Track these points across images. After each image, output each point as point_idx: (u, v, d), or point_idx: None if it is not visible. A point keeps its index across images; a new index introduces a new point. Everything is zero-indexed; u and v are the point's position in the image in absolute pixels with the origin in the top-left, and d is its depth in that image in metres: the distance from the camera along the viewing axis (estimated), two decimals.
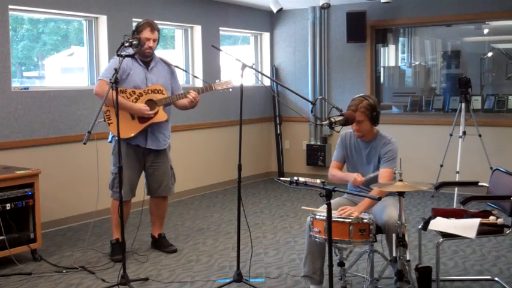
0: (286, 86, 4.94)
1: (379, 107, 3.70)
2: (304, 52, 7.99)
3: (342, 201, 3.78)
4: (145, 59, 4.50)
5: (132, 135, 4.40)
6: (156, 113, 4.42)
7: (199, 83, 6.89)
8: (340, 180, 3.78)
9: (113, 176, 4.54)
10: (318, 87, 7.85)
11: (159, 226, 4.86)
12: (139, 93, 4.41)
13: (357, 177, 3.59)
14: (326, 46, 7.84)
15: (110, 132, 4.49)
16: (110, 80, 3.84)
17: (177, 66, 4.76)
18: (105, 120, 4.33)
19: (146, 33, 4.40)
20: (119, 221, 4.39)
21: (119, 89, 4.29)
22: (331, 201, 2.93)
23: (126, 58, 4.24)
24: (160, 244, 4.80)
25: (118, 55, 4.01)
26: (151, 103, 4.42)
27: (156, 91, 4.45)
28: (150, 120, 4.43)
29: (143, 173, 4.72)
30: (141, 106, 4.37)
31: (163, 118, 4.48)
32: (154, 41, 4.44)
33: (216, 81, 4.63)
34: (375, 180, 3.63)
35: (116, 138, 4.37)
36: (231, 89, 4.62)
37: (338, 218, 3.26)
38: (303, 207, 3.51)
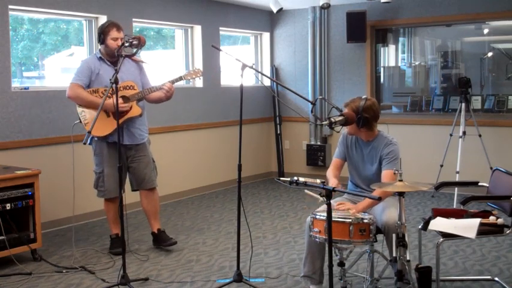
0: (286, 86, 4.94)
1: (369, 113, 3.61)
2: (304, 52, 7.99)
3: (342, 201, 3.77)
4: (113, 58, 4.57)
5: (109, 132, 4.47)
6: (130, 108, 4.50)
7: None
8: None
9: (97, 175, 4.65)
10: (318, 87, 7.85)
11: (154, 221, 4.85)
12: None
13: (350, 209, 3.45)
14: (326, 46, 7.84)
15: (87, 133, 4.50)
16: (110, 80, 3.89)
17: (142, 62, 4.83)
18: (81, 122, 4.44)
19: (113, 34, 4.51)
20: (114, 217, 4.66)
21: (91, 89, 4.48)
22: (331, 201, 2.93)
23: (92, 60, 4.52)
24: (160, 239, 4.82)
25: (118, 55, 4.04)
26: (124, 99, 4.49)
27: (127, 87, 4.54)
28: (125, 116, 4.49)
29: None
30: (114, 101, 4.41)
31: (138, 113, 4.57)
32: (121, 40, 4.51)
33: (185, 71, 4.69)
34: (375, 177, 3.65)
35: (94, 138, 4.54)
36: (200, 78, 4.75)
37: (338, 218, 3.26)
38: (306, 191, 3.46)
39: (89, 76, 4.49)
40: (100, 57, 4.56)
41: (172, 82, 4.62)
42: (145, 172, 4.72)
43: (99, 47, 4.62)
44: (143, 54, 6.00)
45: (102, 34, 4.52)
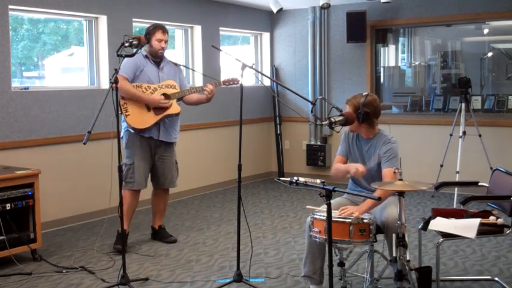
0: (286, 86, 4.95)
1: (370, 108, 3.61)
2: (304, 52, 7.99)
3: (342, 201, 3.77)
4: (157, 59, 4.81)
5: (149, 125, 4.65)
6: (170, 105, 4.70)
7: (200, 83, 6.88)
8: (343, 172, 3.77)
9: (127, 167, 4.74)
10: (318, 87, 7.85)
11: (159, 218, 5.07)
12: (154, 87, 4.72)
13: (358, 167, 3.57)
14: (326, 46, 7.84)
15: (123, 126, 4.73)
16: (110, 80, 3.92)
17: (185, 66, 5.12)
18: (122, 113, 4.56)
19: (159, 35, 4.74)
20: (128, 212, 4.75)
21: (135, 84, 4.65)
22: (331, 201, 2.93)
23: (139, 56, 4.71)
24: (160, 235, 5.01)
25: (118, 55, 4.05)
26: (165, 97, 4.69)
27: (169, 86, 4.77)
28: (165, 112, 4.69)
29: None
30: (157, 97, 4.66)
31: (177, 110, 4.78)
32: (165, 42, 4.77)
33: (223, 78, 4.90)
34: (376, 174, 3.65)
35: (130, 130, 4.70)
36: (237, 84, 4.78)
37: (338, 218, 3.26)
38: (307, 207, 3.52)
39: (134, 71, 4.65)
40: (146, 56, 4.76)
41: (213, 85, 4.79)
42: (167, 173, 4.92)
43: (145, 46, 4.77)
44: None
45: (148, 34, 4.73)
